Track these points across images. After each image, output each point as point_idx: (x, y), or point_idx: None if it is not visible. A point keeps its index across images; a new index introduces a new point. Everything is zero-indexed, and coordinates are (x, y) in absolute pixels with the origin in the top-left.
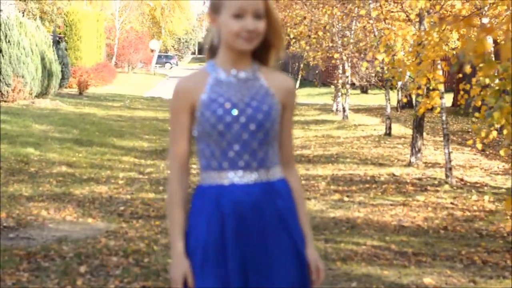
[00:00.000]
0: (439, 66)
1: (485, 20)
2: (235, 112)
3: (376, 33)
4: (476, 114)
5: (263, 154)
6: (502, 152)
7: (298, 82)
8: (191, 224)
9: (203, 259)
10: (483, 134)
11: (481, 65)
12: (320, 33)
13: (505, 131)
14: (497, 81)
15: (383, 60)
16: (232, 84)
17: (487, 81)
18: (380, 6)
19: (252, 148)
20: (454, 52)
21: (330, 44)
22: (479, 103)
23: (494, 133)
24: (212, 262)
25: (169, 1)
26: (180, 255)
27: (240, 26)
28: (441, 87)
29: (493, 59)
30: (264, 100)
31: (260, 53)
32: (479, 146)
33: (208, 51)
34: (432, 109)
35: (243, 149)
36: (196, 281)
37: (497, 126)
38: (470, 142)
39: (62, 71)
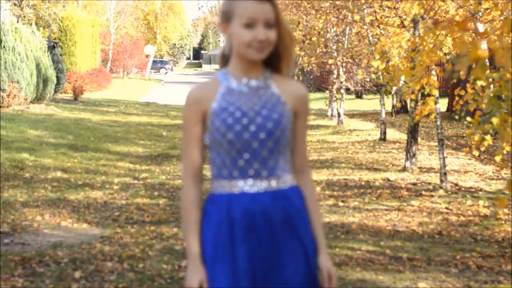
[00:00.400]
0: (433, 72)
1: (479, 26)
2: (244, 120)
3: (371, 39)
4: (468, 119)
5: (274, 163)
6: (497, 158)
7: None
8: (203, 231)
9: (212, 264)
10: (476, 138)
11: (473, 66)
12: (314, 38)
13: (501, 137)
14: (492, 87)
15: (378, 66)
16: (243, 93)
17: (481, 83)
18: (375, 11)
19: (262, 156)
20: (448, 58)
21: (325, 50)
22: (472, 108)
23: (489, 138)
24: (221, 266)
25: (163, 6)
26: (196, 260)
27: (252, 36)
28: (436, 92)
29: (487, 64)
30: (275, 108)
31: (272, 61)
32: (475, 152)
33: (220, 59)
34: (428, 115)
35: (253, 158)
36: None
37: (492, 132)
38: (466, 149)
39: (57, 76)
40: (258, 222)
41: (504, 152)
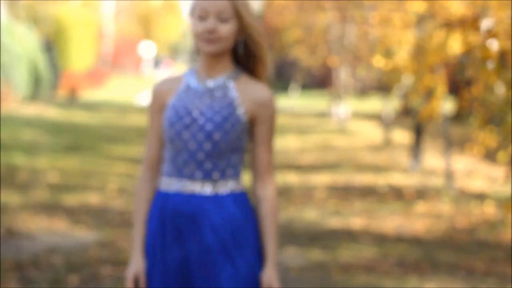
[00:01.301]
0: (440, 72)
1: (486, 22)
2: (187, 120)
3: (374, 38)
4: (479, 120)
5: (211, 166)
6: (503, 159)
7: (297, 87)
8: (148, 224)
9: (151, 263)
10: (483, 141)
11: (485, 67)
12: (316, 38)
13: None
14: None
15: (384, 64)
16: (198, 92)
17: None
18: (377, 13)
19: (198, 158)
20: (455, 58)
21: (327, 52)
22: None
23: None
24: (157, 266)
25: (160, 5)
26: (136, 253)
27: (203, 27)
28: (442, 92)
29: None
30: (222, 111)
31: (245, 62)
32: (480, 152)
33: (195, 54)
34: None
35: (190, 159)
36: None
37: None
38: (471, 149)
39: (52, 76)
40: (187, 224)
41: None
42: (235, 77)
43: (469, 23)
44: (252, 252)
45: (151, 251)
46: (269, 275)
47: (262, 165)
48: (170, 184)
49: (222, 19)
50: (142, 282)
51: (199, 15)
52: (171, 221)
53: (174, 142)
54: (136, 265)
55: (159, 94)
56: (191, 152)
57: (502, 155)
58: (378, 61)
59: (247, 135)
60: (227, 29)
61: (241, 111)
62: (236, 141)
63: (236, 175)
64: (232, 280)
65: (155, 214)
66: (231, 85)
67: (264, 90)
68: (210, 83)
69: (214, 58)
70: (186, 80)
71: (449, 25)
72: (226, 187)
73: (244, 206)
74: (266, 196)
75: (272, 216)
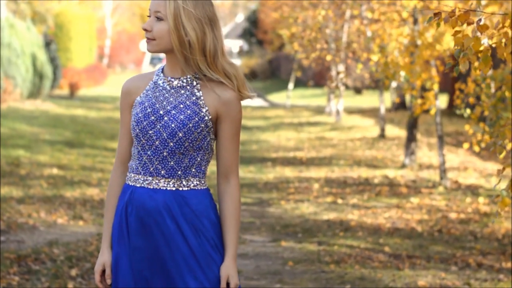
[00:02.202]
0: (433, 66)
1: (478, 15)
2: (152, 117)
3: (370, 34)
4: (468, 111)
5: (175, 163)
6: (500, 156)
7: (293, 83)
8: (114, 217)
9: (115, 258)
10: (478, 137)
11: (476, 63)
12: (314, 34)
13: (501, 135)
14: (492, 86)
15: (378, 60)
16: (164, 91)
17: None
18: (372, 8)
19: (162, 155)
20: (448, 53)
21: (325, 46)
22: (472, 101)
23: (487, 136)
24: (123, 257)
25: None
26: (104, 243)
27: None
28: (436, 87)
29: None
30: (186, 110)
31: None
32: (476, 148)
33: None
34: (428, 111)
35: (154, 155)
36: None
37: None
38: (466, 145)
39: (53, 72)
40: (150, 219)
41: (508, 148)
42: (202, 77)
43: (461, 16)
44: (211, 248)
45: (116, 242)
46: (228, 267)
47: (226, 163)
48: (136, 180)
49: (157, 18)
50: (108, 273)
51: (148, 14)
52: (136, 215)
53: (139, 139)
54: (103, 257)
55: (128, 91)
56: (156, 149)
57: (499, 150)
58: (374, 58)
59: (212, 134)
60: (158, 28)
61: (206, 110)
62: (200, 139)
63: (199, 173)
64: (196, 280)
65: (120, 207)
66: (197, 84)
67: (227, 90)
68: (176, 82)
69: (170, 57)
70: (155, 78)
71: (444, 19)
72: (189, 185)
73: (206, 203)
74: (229, 193)
75: (234, 213)
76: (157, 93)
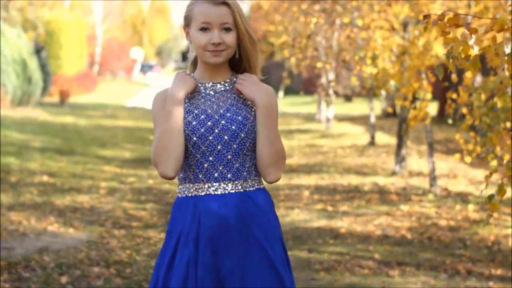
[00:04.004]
0: (424, 76)
1: (468, 19)
2: (209, 123)
3: (360, 42)
4: (463, 125)
5: (239, 165)
6: (493, 163)
7: (283, 91)
8: (168, 235)
9: (185, 274)
10: (470, 147)
11: (466, 66)
12: (304, 41)
13: (489, 140)
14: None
15: (370, 72)
16: (209, 96)
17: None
18: (363, 17)
19: (227, 159)
20: (438, 62)
21: (315, 53)
22: (465, 110)
23: (478, 149)
24: (184, 252)
25: (151, 9)
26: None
27: (207, 39)
28: (429, 96)
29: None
30: (240, 111)
31: (236, 65)
32: (467, 159)
33: (191, 65)
34: (423, 120)
35: (217, 160)
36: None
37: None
38: (457, 156)
39: (43, 79)
40: (223, 224)
41: (505, 160)
42: (235, 79)
43: (450, 19)
44: (277, 242)
45: (180, 254)
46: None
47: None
48: (198, 189)
49: (226, 29)
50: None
51: (201, 27)
52: (206, 224)
53: (198, 146)
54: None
55: (164, 101)
56: (219, 154)
57: (491, 157)
58: (368, 70)
59: None
60: (231, 39)
61: (253, 108)
62: (254, 137)
63: (258, 172)
64: (264, 260)
65: (186, 219)
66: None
67: (265, 86)
68: (218, 87)
69: (215, 66)
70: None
71: (433, 21)
72: (254, 184)
73: (267, 201)
74: None
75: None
76: (202, 100)
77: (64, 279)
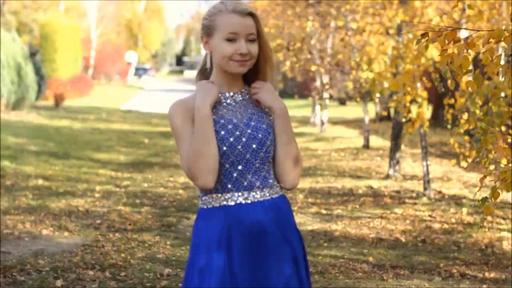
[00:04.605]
0: (421, 83)
1: (464, 34)
2: (237, 132)
3: (354, 44)
4: (459, 131)
5: (266, 172)
6: (490, 168)
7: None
8: (195, 248)
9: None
10: (467, 153)
11: (467, 79)
12: (299, 45)
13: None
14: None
15: (367, 77)
16: (230, 106)
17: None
18: (357, 20)
19: (255, 167)
20: (434, 66)
21: (308, 56)
22: (465, 115)
23: (474, 154)
24: (217, 256)
25: (145, 12)
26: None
27: (233, 49)
28: (426, 103)
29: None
30: (262, 119)
31: (250, 74)
32: (464, 164)
33: (199, 74)
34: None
35: (246, 169)
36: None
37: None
38: (453, 162)
39: (38, 83)
40: (256, 233)
41: (502, 165)
42: (248, 88)
43: (449, 35)
44: (301, 247)
45: (219, 276)
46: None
47: None
48: (227, 198)
49: (251, 40)
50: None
51: (228, 37)
52: (240, 234)
53: (227, 156)
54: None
55: (186, 109)
56: (247, 163)
57: (484, 161)
58: (364, 75)
59: None
60: (255, 49)
61: (271, 117)
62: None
63: (276, 179)
64: (292, 262)
65: (215, 229)
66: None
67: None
68: (237, 97)
69: (235, 76)
70: None
71: (432, 39)
72: (278, 191)
73: (289, 207)
74: None
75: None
76: (225, 110)
77: (59, 283)
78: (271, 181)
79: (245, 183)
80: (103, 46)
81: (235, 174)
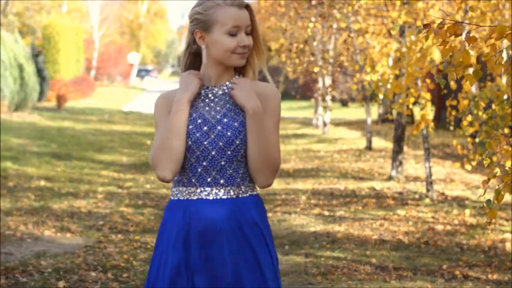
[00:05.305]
0: (424, 85)
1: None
2: (205, 128)
3: (356, 47)
4: (463, 133)
5: (233, 171)
6: (497, 171)
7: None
8: (159, 237)
9: (170, 280)
10: (471, 156)
11: (467, 73)
12: (301, 46)
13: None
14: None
15: (370, 79)
16: (208, 100)
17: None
18: (359, 21)
19: (220, 165)
20: (435, 68)
21: (312, 58)
22: (469, 118)
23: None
24: (171, 258)
25: (148, 13)
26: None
27: (236, 42)
28: (429, 105)
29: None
30: (237, 117)
31: (241, 67)
32: (468, 167)
33: (186, 69)
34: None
35: (211, 166)
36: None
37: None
38: (457, 165)
39: (40, 84)
40: (213, 229)
41: (507, 168)
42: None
43: (450, 28)
44: (268, 251)
45: (170, 269)
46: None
47: None
48: (190, 193)
49: (247, 32)
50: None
51: (231, 31)
52: (197, 228)
53: (193, 151)
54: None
55: (167, 101)
56: (212, 159)
57: (487, 162)
58: (367, 78)
59: None
60: (251, 41)
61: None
62: None
63: (252, 179)
64: (254, 266)
65: (176, 222)
66: None
67: (268, 86)
68: (219, 91)
69: (219, 66)
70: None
71: (434, 31)
72: (247, 191)
73: (261, 209)
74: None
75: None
76: (202, 104)
77: (61, 284)
78: (238, 180)
79: (209, 180)
80: (105, 47)
81: (199, 169)
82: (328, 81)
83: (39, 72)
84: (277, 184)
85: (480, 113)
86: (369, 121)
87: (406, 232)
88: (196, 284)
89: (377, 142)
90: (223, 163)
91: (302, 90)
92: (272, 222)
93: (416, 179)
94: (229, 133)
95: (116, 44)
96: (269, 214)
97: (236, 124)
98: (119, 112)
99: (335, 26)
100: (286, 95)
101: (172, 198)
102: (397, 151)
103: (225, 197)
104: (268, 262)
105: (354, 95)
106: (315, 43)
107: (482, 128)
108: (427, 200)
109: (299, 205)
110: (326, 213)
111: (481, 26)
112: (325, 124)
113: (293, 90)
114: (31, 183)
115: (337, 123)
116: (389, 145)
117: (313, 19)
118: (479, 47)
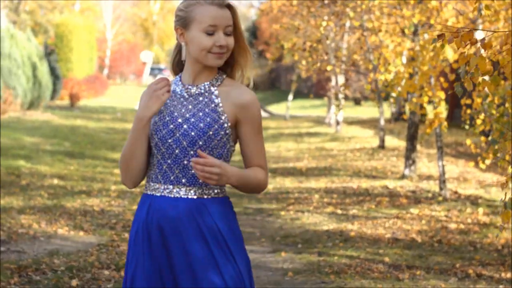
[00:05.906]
0: (438, 83)
1: (480, 34)
2: (171, 126)
3: (369, 45)
4: (475, 131)
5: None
6: (509, 170)
7: (292, 94)
8: (131, 228)
9: (134, 268)
10: (484, 155)
11: (482, 78)
12: (315, 45)
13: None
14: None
15: (385, 79)
16: (182, 98)
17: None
18: (372, 21)
19: (183, 164)
20: (450, 66)
21: (325, 57)
22: (482, 116)
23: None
24: (141, 268)
25: (161, 10)
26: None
27: (212, 42)
28: (443, 103)
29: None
30: (205, 117)
31: (226, 68)
32: (482, 166)
33: (173, 65)
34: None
35: (174, 164)
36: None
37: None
38: (471, 164)
39: (53, 83)
40: (171, 228)
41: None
42: (218, 82)
43: (465, 36)
44: (232, 256)
45: (132, 252)
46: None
47: (253, 163)
48: (156, 189)
49: (227, 32)
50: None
51: (207, 29)
52: (157, 224)
53: (159, 147)
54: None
55: None
56: (176, 158)
57: (501, 162)
58: (381, 77)
59: (232, 141)
60: (231, 42)
61: (225, 117)
62: (220, 147)
63: None
64: (211, 268)
65: (141, 216)
66: (214, 91)
67: (244, 93)
68: (195, 90)
69: (198, 66)
70: (173, 87)
71: (448, 39)
72: (211, 192)
73: (227, 211)
74: (256, 170)
75: (255, 176)
76: (175, 102)
77: (74, 282)
78: (201, 181)
79: (172, 178)
80: (118, 46)
81: (164, 167)
82: (341, 79)
83: (52, 71)
84: (290, 183)
85: (494, 112)
86: (381, 119)
87: (419, 230)
88: (152, 281)
89: (390, 141)
90: (185, 162)
91: (315, 89)
92: (285, 221)
93: (429, 177)
94: (193, 133)
95: (129, 42)
96: (282, 213)
97: (201, 125)
98: (132, 110)
99: (348, 24)
100: (299, 94)
101: (144, 192)
102: (410, 149)
103: (185, 196)
104: (227, 266)
105: (368, 94)
106: (328, 42)
107: (494, 126)
108: (440, 199)
109: (312, 204)
110: (339, 211)
111: (496, 31)
112: (338, 123)
113: (306, 88)
114: (44, 181)
115: (350, 122)
116: (402, 143)
117: (326, 17)
118: (494, 51)
